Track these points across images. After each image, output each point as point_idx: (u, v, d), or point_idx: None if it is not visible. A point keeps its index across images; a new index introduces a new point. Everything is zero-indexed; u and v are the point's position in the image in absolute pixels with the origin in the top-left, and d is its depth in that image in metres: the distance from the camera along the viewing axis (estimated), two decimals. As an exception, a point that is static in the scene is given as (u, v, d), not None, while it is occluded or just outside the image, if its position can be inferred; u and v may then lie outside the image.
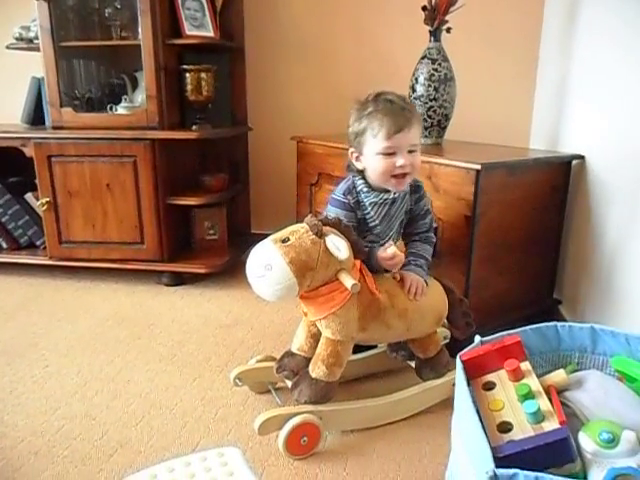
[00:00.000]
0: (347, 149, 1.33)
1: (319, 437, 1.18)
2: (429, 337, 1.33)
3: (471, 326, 1.35)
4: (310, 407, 1.18)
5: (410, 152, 1.25)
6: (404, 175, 1.26)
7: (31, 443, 1.20)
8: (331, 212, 1.29)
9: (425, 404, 1.32)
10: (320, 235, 1.13)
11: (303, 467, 1.14)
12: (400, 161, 1.24)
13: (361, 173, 1.31)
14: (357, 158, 1.31)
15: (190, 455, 0.93)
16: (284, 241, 1.13)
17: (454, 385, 1.26)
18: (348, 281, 1.12)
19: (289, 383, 1.27)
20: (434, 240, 1.38)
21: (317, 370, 1.20)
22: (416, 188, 1.36)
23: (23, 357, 1.59)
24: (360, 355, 1.47)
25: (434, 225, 1.41)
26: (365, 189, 1.30)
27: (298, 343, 1.31)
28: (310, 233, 1.13)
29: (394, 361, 1.46)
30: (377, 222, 1.32)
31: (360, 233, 1.31)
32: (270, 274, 1.10)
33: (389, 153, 1.24)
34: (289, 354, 1.32)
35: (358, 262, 1.21)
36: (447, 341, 1.47)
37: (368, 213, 1.31)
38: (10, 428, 1.26)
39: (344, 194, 1.31)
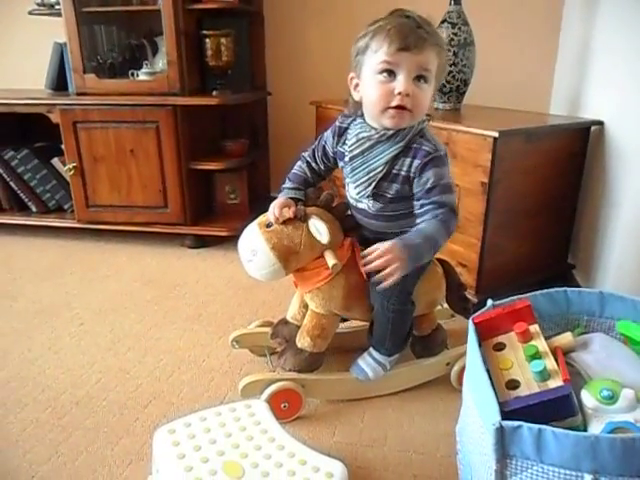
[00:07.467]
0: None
1: (300, 404, 1.21)
2: (424, 315, 1.31)
3: (468, 311, 1.30)
4: (294, 375, 1.22)
5: (418, 79, 1.02)
6: (403, 108, 1.02)
7: (72, 394, 1.30)
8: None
9: (415, 381, 1.32)
10: (303, 219, 1.16)
11: (321, 418, 1.22)
12: (399, 87, 1.00)
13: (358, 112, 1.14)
14: (356, 87, 1.11)
15: (220, 406, 1.02)
16: (268, 225, 1.17)
17: (448, 364, 1.31)
18: (330, 260, 1.14)
19: None
20: (446, 220, 1.03)
21: (302, 341, 1.24)
22: (424, 153, 1.05)
23: (59, 316, 1.69)
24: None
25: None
26: (359, 120, 1.13)
27: (292, 312, 1.35)
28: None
29: None
30: (349, 156, 1.12)
31: (328, 171, 1.25)
32: (256, 259, 1.16)
33: (388, 72, 1.01)
34: (283, 322, 1.36)
35: (348, 240, 1.21)
36: (454, 319, 1.48)
37: (346, 145, 1.14)
38: (52, 380, 1.36)
39: (342, 116, 1.17)
